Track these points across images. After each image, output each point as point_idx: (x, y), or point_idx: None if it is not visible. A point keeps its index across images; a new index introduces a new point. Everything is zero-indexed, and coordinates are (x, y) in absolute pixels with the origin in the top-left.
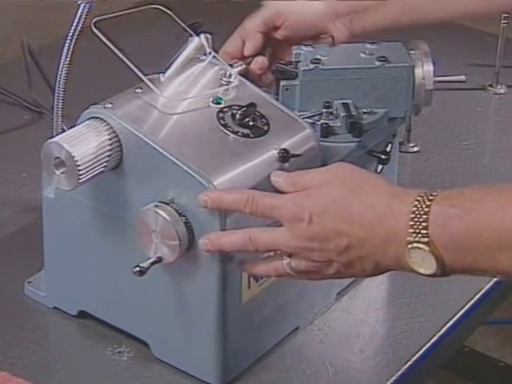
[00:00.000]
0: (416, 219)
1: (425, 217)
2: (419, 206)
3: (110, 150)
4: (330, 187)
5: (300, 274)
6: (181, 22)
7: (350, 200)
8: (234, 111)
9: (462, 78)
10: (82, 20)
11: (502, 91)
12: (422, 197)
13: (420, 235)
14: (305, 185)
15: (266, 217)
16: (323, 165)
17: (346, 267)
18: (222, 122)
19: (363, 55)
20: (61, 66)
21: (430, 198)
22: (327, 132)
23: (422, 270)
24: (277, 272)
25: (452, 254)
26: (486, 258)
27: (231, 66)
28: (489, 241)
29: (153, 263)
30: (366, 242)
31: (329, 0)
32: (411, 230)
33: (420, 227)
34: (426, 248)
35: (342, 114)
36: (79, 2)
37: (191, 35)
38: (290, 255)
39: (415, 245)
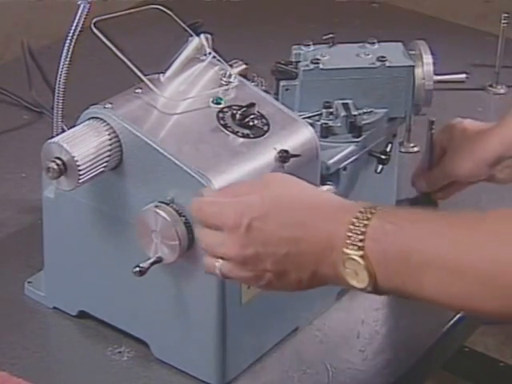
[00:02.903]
0: (354, 231)
1: (363, 229)
2: (360, 217)
3: (109, 150)
4: (271, 192)
5: (229, 278)
6: (181, 22)
7: (293, 205)
8: (234, 111)
9: (462, 77)
10: (82, 20)
11: (501, 91)
12: (365, 208)
13: (356, 247)
14: (243, 192)
15: (211, 225)
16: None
17: (279, 277)
18: (221, 122)
19: (363, 55)
20: (61, 66)
21: (373, 211)
22: (327, 132)
23: (354, 283)
24: (207, 268)
25: (383, 272)
26: (412, 281)
27: (231, 66)
28: (415, 264)
29: (153, 263)
30: (306, 248)
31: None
32: (348, 241)
33: (357, 239)
34: (361, 261)
35: (342, 114)
36: (79, 2)
37: (191, 35)
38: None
39: (351, 256)
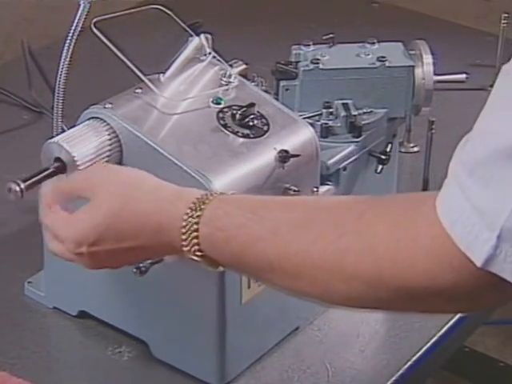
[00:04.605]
0: (188, 240)
1: (195, 236)
2: (188, 227)
3: (109, 150)
4: (101, 206)
5: None
6: (181, 22)
7: (121, 219)
8: (234, 111)
9: (462, 77)
10: (82, 20)
11: None
12: (188, 214)
13: (193, 250)
14: (73, 195)
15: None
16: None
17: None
18: (221, 122)
19: (363, 55)
20: (61, 66)
21: (197, 215)
22: (327, 132)
23: (207, 268)
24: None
25: (229, 266)
26: (258, 277)
27: (231, 66)
28: (254, 267)
29: (153, 263)
30: (150, 249)
31: None
32: (186, 249)
33: (192, 244)
34: (202, 260)
35: (342, 114)
36: (79, 2)
37: (191, 35)
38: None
39: (192, 257)
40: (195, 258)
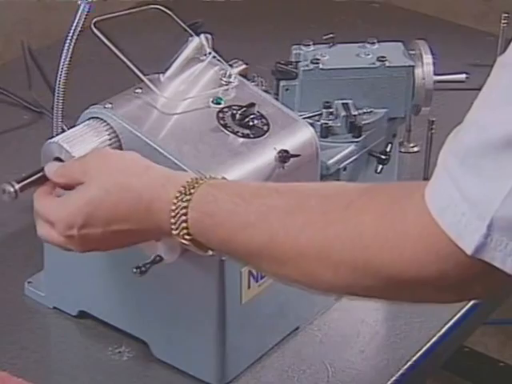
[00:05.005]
0: (177, 224)
1: (183, 220)
2: (178, 211)
3: None
4: (93, 188)
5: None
6: (181, 22)
7: (112, 199)
8: (234, 111)
9: (462, 77)
10: (82, 20)
11: None
12: (177, 198)
13: (182, 234)
14: (70, 179)
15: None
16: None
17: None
18: (221, 122)
19: (363, 55)
20: (61, 66)
21: (186, 199)
22: (327, 132)
23: (197, 252)
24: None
25: (217, 250)
26: (246, 262)
27: (231, 66)
28: (242, 253)
29: (153, 263)
30: (139, 232)
31: None
32: (175, 232)
33: (180, 227)
34: (191, 244)
35: (342, 114)
36: (79, 2)
37: (191, 35)
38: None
39: (181, 240)
40: (184, 241)
